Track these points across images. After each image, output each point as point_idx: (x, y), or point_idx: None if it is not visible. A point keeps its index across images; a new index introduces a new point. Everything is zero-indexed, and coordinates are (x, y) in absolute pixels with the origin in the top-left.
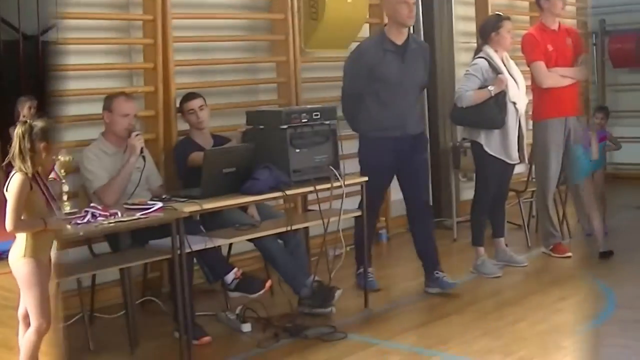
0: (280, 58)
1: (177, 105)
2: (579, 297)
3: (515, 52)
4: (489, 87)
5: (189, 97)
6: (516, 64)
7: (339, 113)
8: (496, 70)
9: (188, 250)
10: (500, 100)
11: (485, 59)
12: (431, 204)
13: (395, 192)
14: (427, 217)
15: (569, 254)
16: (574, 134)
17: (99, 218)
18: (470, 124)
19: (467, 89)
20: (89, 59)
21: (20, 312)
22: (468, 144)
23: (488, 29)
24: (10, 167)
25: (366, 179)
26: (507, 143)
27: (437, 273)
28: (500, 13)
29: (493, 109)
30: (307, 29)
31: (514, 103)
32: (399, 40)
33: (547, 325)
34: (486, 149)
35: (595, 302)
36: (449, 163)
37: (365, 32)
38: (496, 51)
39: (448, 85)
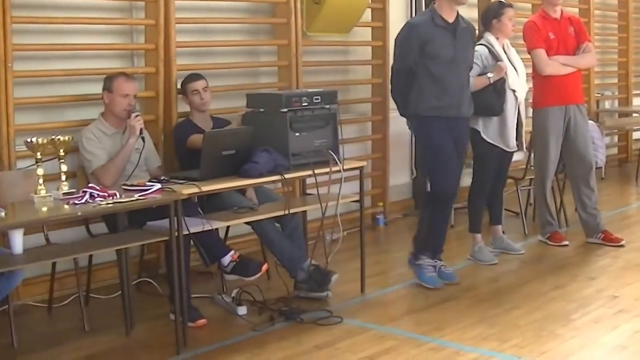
0: (281, 41)
1: (178, 86)
2: (575, 286)
3: (517, 40)
4: (488, 74)
5: (194, 77)
6: (517, 52)
7: (340, 97)
8: (496, 58)
9: (185, 232)
10: (499, 87)
11: (486, 45)
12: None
13: (393, 178)
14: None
15: (566, 242)
16: (574, 122)
17: (97, 198)
18: None
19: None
20: (91, 39)
21: None
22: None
23: (490, 15)
24: None
25: (364, 163)
26: (506, 130)
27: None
28: (502, 0)
29: (492, 96)
30: (309, 13)
31: (514, 90)
32: (450, 18)
33: (542, 314)
34: (484, 136)
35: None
36: None
37: (367, 16)
38: (497, 38)
39: None
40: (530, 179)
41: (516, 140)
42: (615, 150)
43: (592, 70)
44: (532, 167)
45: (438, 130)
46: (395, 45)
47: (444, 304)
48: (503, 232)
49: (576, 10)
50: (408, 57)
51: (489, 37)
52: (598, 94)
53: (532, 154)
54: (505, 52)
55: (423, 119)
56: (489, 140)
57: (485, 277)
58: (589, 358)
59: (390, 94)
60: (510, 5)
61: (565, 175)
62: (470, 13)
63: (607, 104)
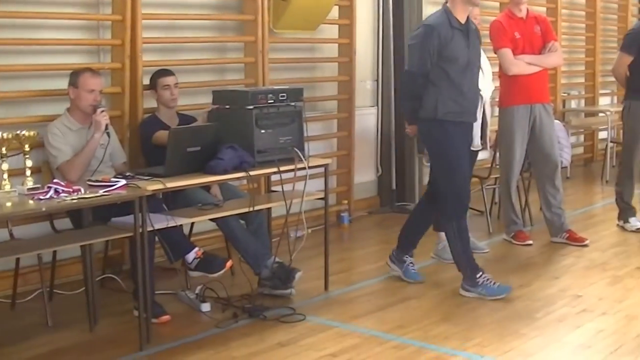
0: (248, 38)
1: (145, 82)
2: (538, 285)
3: (484, 39)
4: None
5: (165, 72)
6: (484, 51)
7: (306, 94)
8: None
9: (150, 228)
10: None
11: None
12: (394, 187)
13: (358, 175)
14: None
15: (530, 241)
16: (539, 121)
17: (61, 194)
18: None
19: None
20: (57, 34)
21: None
22: None
23: None
24: None
25: (329, 161)
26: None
27: None
28: None
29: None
30: (276, 10)
31: (479, 90)
32: (463, 19)
33: (505, 312)
34: None
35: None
36: (413, 148)
37: (334, 14)
38: None
39: None
40: (496, 178)
41: (481, 139)
42: (581, 150)
43: (559, 70)
44: (498, 166)
45: (456, 135)
46: (411, 47)
47: (407, 302)
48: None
49: (544, 9)
50: (427, 60)
51: None
52: (564, 93)
53: (498, 153)
54: None
55: (439, 124)
56: None
57: (449, 276)
58: (552, 357)
59: (401, 99)
60: (475, 5)
61: (531, 174)
62: None
63: (573, 104)
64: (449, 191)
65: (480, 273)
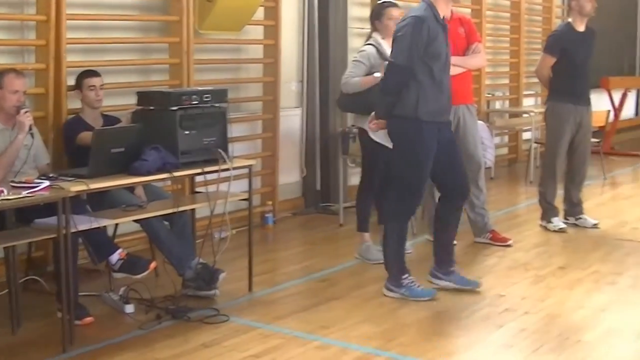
0: (173, 39)
1: (69, 83)
2: None
3: None
4: (375, 74)
5: (91, 73)
6: None
7: (231, 95)
8: (384, 57)
9: (74, 229)
10: None
11: (374, 45)
12: (319, 188)
13: (283, 176)
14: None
15: (454, 242)
16: (463, 122)
17: None
18: (356, 111)
19: (353, 76)
20: None
21: None
22: (357, 130)
23: (373, 16)
24: None
25: (253, 162)
26: None
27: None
28: (386, 0)
29: (379, 96)
30: (201, 10)
31: None
32: (443, 14)
33: (429, 312)
34: (372, 135)
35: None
36: (338, 149)
37: (259, 15)
38: (384, 38)
39: (340, 71)
40: None
41: None
42: (505, 151)
43: (483, 71)
44: None
45: (430, 136)
46: (398, 39)
47: (330, 303)
48: None
49: (468, 10)
50: (414, 54)
51: (376, 36)
52: (489, 94)
53: None
54: None
55: (416, 123)
56: (376, 140)
57: (372, 276)
58: (475, 357)
59: (381, 91)
60: (394, 5)
61: None
62: (363, 12)
63: (497, 104)
64: (408, 192)
65: (407, 275)
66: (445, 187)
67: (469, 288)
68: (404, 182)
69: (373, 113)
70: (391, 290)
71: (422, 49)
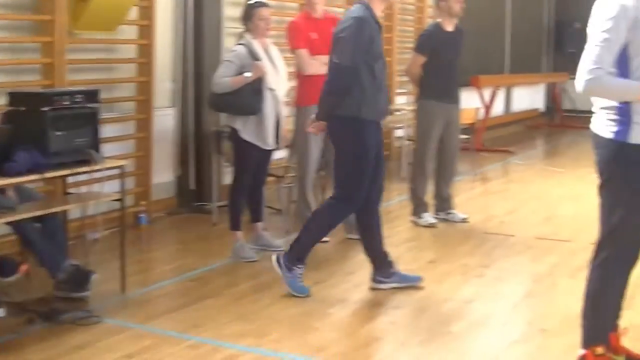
0: (45, 38)
1: None
2: (333, 281)
3: (282, 39)
4: (245, 74)
5: None
6: (283, 51)
7: (105, 95)
8: (255, 57)
9: None
10: (256, 86)
11: (245, 45)
12: (193, 188)
13: (157, 176)
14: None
15: (326, 238)
16: None
17: None
18: (227, 110)
19: (224, 76)
20: None
21: None
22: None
23: (244, 16)
24: None
25: (125, 162)
26: (263, 129)
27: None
28: (257, 0)
29: (249, 96)
30: (75, 10)
31: (272, 90)
32: (379, 14)
33: (300, 309)
34: (242, 135)
35: None
36: (212, 148)
37: (134, 14)
38: (255, 38)
39: (215, 71)
40: (293, 177)
41: (276, 138)
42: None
43: None
44: (294, 165)
45: (372, 136)
46: (342, 40)
47: (203, 302)
48: (265, 229)
49: (342, 10)
50: (358, 54)
51: (248, 36)
52: None
53: (294, 152)
54: (266, 51)
55: (360, 123)
56: (247, 139)
57: (245, 274)
58: (345, 350)
59: (325, 93)
60: (264, 5)
61: (327, 173)
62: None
63: None
64: (351, 190)
65: (302, 266)
66: (370, 189)
67: (413, 284)
68: (348, 180)
69: (313, 116)
70: (280, 267)
71: (365, 46)
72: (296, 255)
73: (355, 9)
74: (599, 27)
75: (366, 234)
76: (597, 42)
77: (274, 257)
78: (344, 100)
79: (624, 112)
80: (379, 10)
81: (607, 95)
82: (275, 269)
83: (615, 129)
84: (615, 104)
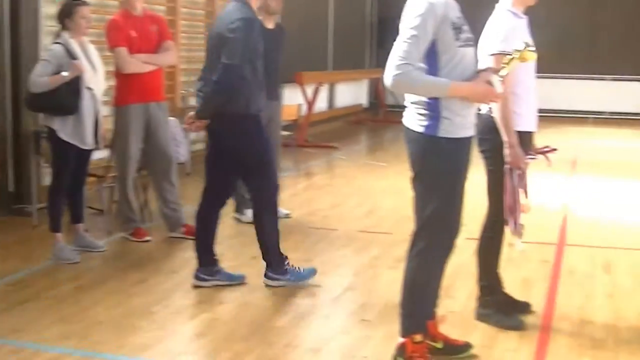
0: None
1: None
2: (156, 280)
3: (101, 37)
4: (62, 73)
5: None
6: (101, 49)
7: None
8: (72, 56)
9: None
10: (74, 86)
11: (62, 44)
12: (12, 190)
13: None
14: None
15: (149, 237)
16: (154, 119)
17: None
18: (44, 110)
19: (41, 75)
20: None
21: None
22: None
23: (62, 14)
24: None
25: None
26: (82, 129)
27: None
28: None
29: (66, 95)
30: None
31: (90, 89)
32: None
33: (123, 309)
34: (60, 134)
35: None
36: (31, 149)
37: None
38: (73, 37)
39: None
40: (114, 177)
41: (95, 138)
42: (201, 146)
43: (178, 68)
44: (115, 165)
45: (261, 130)
46: (231, 40)
47: (22, 305)
48: (86, 230)
49: (163, 8)
50: (247, 54)
51: (65, 35)
52: (184, 90)
53: (113, 152)
54: (84, 50)
55: (250, 119)
56: (65, 139)
57: (66, 276)
58: (168, 347)
59: (213, 92)
60: (84, 3)
61: (148, 172)
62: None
63: (193, 101)
64: (264, 184)
65: (286, 259)
66: (226, 185)
67: (236, 282)
68: (257, 176)
69: (191, 113)
70: (275, 279)
71: (254, 45)
72: (275, 259)
73: (236, 8)
74: (408, 23)
75: (203, 230)
76: (405, 39)
77: (264, 282)
78: (232, 98)
79: (433, 107)
80: (255, 7)
81: (414, 91)
82: (274, 286)
83: (425, 123)
84: (424, 99)
